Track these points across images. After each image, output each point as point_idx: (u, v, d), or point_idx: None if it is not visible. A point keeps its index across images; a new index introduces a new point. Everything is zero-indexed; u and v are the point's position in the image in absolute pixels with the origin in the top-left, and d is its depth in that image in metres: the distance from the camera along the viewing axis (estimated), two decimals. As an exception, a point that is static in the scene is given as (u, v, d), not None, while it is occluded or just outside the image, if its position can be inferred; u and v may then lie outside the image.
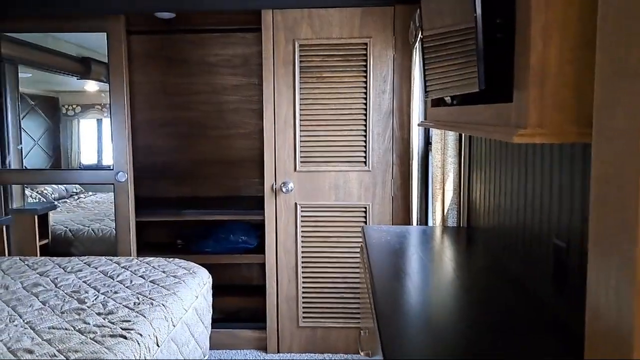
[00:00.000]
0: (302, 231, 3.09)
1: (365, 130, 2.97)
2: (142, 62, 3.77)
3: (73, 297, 2.24)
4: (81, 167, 4.70)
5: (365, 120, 2.97)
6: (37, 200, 4.35)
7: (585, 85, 0.83)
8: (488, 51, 1.11)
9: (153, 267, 2.67)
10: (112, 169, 3.16)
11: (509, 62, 1.01)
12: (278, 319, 3.17)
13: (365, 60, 2.93)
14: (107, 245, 3.60)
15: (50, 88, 4.68)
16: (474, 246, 1.90)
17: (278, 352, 3.16)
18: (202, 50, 3.73)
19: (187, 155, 3.87)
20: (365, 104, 2.96)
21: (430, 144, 2.72)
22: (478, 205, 1.87)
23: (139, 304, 2.16)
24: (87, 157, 4.81)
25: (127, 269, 2.63)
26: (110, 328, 1.91)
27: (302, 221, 3.08)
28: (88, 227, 3.79)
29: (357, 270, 3.01)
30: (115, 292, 2.29)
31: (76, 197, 4.79)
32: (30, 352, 1.73)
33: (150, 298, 2.22)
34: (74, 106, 4.73)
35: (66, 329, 1.91)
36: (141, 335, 1.88)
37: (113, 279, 2.48)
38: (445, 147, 2.00)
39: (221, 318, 3.23)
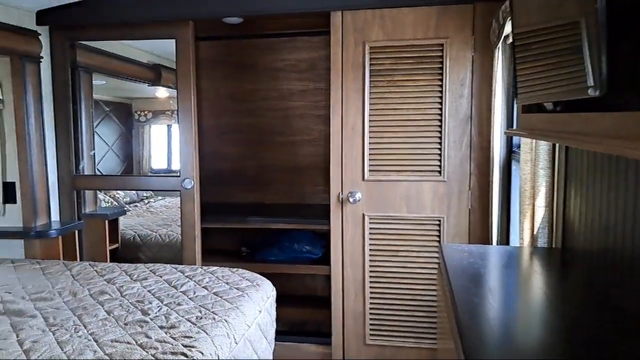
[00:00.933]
0: (370, 244, 2.92)
1: (441, 138, 2.77)
2: (209, 68, 3.76)
3: (137, 308, 2.20)
4: (151, 171, 4.78)
5: (441, 126, 2.76)
6: (110, 203, 4.46)
7: None
8: (612, 48, 0.91)
9: (217, 277, 2.60)
10: (179, 176, 3.14)
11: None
12: (344, 335, 3.02)
13: (441, 63, 2.73)
14: (173, 251, 3.61)
15: (123, 95, 4.80)
16: (572, 271, 1.66)
17: (343, 369, 3.02)
18: (268, 55, 3.67)
19: (253, 161, 3.82)
20: (441, 109, 2.76)
21: (513, 152, 2.49)
22: (576, 225, 1.63)
23: (201, 318, 2.08)
24: (157, 162, 4.90)
25: (191, 279, 2.57)
26: (172, 344, 1.84)
27: (370, 233, 2.92)
28: (156, 232, 3.81)
29: (430, 287, 2.81)
30: (179, 304, 2.23)
31: (146, 201, 4.88)
32: (92, 366, 1.68)
33: (212, 312, 2.14)
34: (146, 112, 4.83)
35: (128, 342, 1.86)
36: (202, 354, 1.79)
37: (177, 289, 2.43)
38: (536, 158, 1.77)
39: (284, 330, 3.12)
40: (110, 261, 3.27)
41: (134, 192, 4.77)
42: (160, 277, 2.62)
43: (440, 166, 2.79)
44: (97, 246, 3.32)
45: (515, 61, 1.54)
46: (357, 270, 2.96)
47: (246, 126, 3.80)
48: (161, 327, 1.99)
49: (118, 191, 4.61)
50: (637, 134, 0.79)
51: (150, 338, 1.89)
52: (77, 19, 3.04)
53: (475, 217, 2.80)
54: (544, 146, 1.77)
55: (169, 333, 1.94)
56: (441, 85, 2.74)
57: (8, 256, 3.01)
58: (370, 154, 2.87)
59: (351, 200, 2.90)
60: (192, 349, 1.80)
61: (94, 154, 3.46)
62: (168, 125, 4.94)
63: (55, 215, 3.19)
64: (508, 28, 2.03)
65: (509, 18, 1.82)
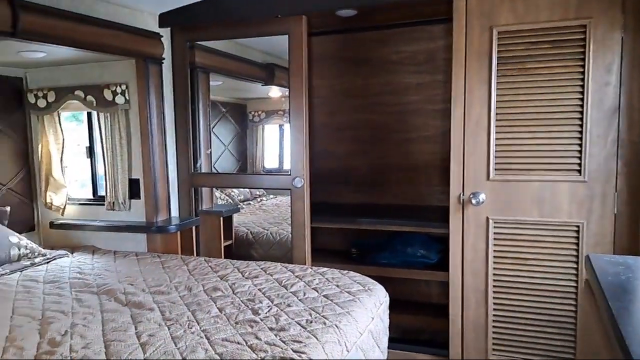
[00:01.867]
0: (494, 250, 2.65)
1: (581, 132, 2.42)
2: (321, 64, 3.68)
3: (248, 307, 2.15)
4: (264, 170, 4.84)
5: (582, 119, 2.41)
6: (225, 201, 4.58)
7: None
8: None
9: (327, 279, 2.49)
10: (290, 174, 3.09)
11: None
12: (463, 347, 2.77)
13: (583, 47, 2.38)
14: (283, 250, 3.58)
15: (239, 95, 4.91)
16: None
17: (461, 385, 2.77)
18: (383, 48, 3.50)
19: (365, 160, 3.67)
20: (582, 99, 2.41)
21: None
22: None
23: (311, 322, 1.97)
24: (270, 161, 4.95)
25: (301, 279, 2.49)
26: (282, 348, 1.75)
27: (494, 238, 2.64)
28: (267, 230, 3.82)
29: (565, 302, 2.48)
30: (288, 305, 2.15)
31: (259, 199, 4.95)
32: (202, 366, 1.63)
33: (323, 316, 2.02)
34: (259, 112, 4.90)
35: (239, 343, 1.80)
36: (312, 361, 1.68)
37: (287, 289, 2.35)
38: None
39: (396, 338, 2.93)
40: (225, 257, 3.32)
41: (247, 190, 4.87)
42: (271, 275, 2.57)
43: (580, 164, 2.44)
44: (212, 242, 3.38)
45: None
46: (479, 278, 2.69)
47: (359, 123, 3.66)
48: (271, 329, 1.91)
49: (233, 189, 4.73)
50: None
51: (260, 340, 1.82)
52: (195, 19, 3.11)
53: (622, 223, 2.41)
54: None
55: (279, 336, 1.85)
56: (582, 72, 2.39)
57: (133, 249, 3.16)
58: (496, 151, 2.60)
59: (473, 201, 2.64)
60: (302, 355, 1.69)
61: (211, 152, 3.54)
62: (280, 125, 4.97)
63: (174, 212, 3.31)
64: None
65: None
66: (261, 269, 2.69)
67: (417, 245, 3.30)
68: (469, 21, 2.57)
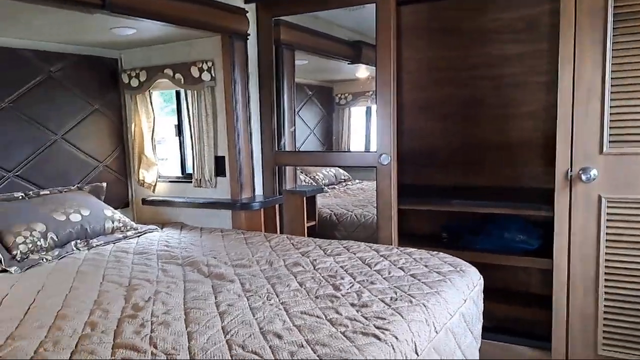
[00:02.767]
0: (607, 233, 2.34)
1: None
2: (410, 37, 3.48)
3: (329, 282, 2.04)
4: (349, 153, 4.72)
5: None
6: (309, 184, 4.53)
7: None
8: None
9: (414, 259, 2.32)
10: (376, 152, 2.94)
11: None
12: (567, 340, 2.49)
13: None
14: (368, 232, 3.45)
15: (325, 77, 4.83)
16: None
17: (566, 382, 2.48)
18: (477, 16, 3.23)
19: (457, 138, 3.42)
20: None
21: None
22: None
23: (396, 299, 1.82)
24: (356, 144, 4.82)
25: (386, 259, 2.34)
26: (363, 324, 1.62)
27: (607, 220, 2.33)
28: (351, 212, 3.71)
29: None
30: (372, 283, 2.01)
31: (344, 183, 4.85)
32: (280, 337, 1.55)
33: (409, 295, 1.87)
34: (346, 95, 4.78)
35: (318, 316, 1.70)
36: (397, 339, 1.53)
37: (370, 268, 2.22)
38: None
39: (491, 327, 2.69)
40: (308, 237, 3.25)
41: (332, 174, 4.77)
42: (354, 254, 2.45)
43: None
44: (296, 221, 3.33)
45: None
46: (588, 264, 2.39)
47: (450, 99, 3.42)
48: (352, 305, 1.79)
49: (317, 173, 4.66)
50: None
51: (341, 315, 1.71)
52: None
53: None
54: None
55: (360, 312, 1.72)
56: None
57: (218, 226, 3.18)
58: (611, 121, 2.29)
59: (583, 178, 2.34)
60: (386, 332, 1.55)
61: (295, 130, 3.48)
62: (367, 108, 4.83)
63: (258, 190, 3.28)
64: None
65: None
66: (344, 247, 2.58)
67: (516, 230, 3.03)
68: (580, -27, 2.27)
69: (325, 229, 3.69)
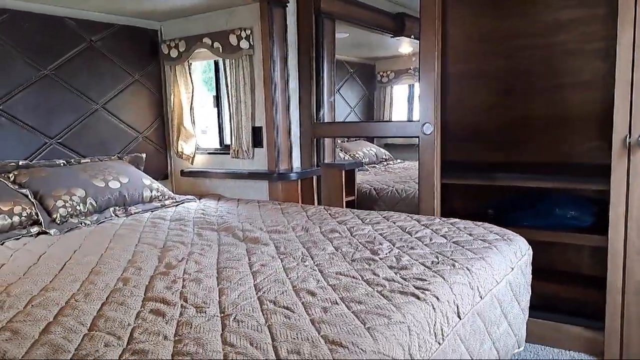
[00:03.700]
0: (671, 204, 2.14)
1: None
2: (455, 6, 3.31)
3: (366, 247, 1.96)
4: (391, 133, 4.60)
5: None
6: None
7: None
8: None
9: (457, 228, 2.20)
10: (419, 121, 2.82)
11: None
12: (622, 321, 2.30)
13: None
14: (409, 207, 3.32)
15: (367, 55, 4.71)
16: None
17: (620, 364, 2.31)
18: (529, -20, 3.04)
19: (504, 112, 3.24)
20: None
21: None
22: None
23: (437, 263, 1.72)
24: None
25: (428, 227, 2.23)
26: (402, 284, 1.52)
27: (672, 190, 2.13)
28: (392, 187, 3.59)
29: None
30: (412, 248, 1.91)
31: (385, 163, 4.73)
32: (313, 294, 1.47)
33: (452, 259, 1.76)
34: (388, 72, 4.65)
35: (353, 277, 1.62)
36: (438, 299, 1.43)
37: (411, 235, 2.12)
38: None
39: (539, 305, 2.53)
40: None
41: (373, 153, 4.66)
42: (394, 223, 2.35)
43: None
44: (334, 195, 3.24)
45: None
46: (649, 239, 2.20)
47: (496, 71, 3.23)
48: (390, 267, 1.70)
49: (358, 152, 4.56)
50: None
51: (378, 276, 1.62)
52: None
53: None
54: None
55: (399, 274, 1.63)
56: None
57: (255, 197, 3.14)
58: (677, 81, 2.08)
59: (645, 144, 2.16)
60: (426, 292, 1.45)
61: (334, 100, 3.39)
62: (410, 85, 4.68)
63: (296, 162, 3.22)
64: None
65: None
66: (383, 217, 2.48)
67: (567, 206, 2.84)
68: None
69: (365, 204, 3.59)
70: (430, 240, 2.02)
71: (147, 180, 2.99)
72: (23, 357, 1.16)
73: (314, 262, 1.79)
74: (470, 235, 2.08)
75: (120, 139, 3.24)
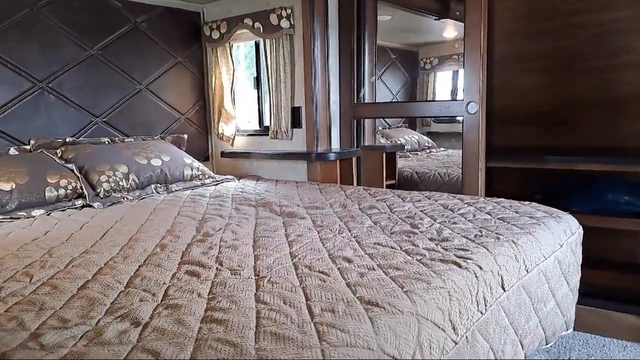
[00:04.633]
0: None
1: None
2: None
3: (406, 222, 1.90)
4: (433, 121, 4.50)
5: None
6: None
7: None
8: None
9: (503, 206, 2.11)
10: (463, 100, 2.73)
11: None
12: (681, 313, 2.16)
13: None
14: (452, 191, 3.20)
15: (410, 41, 4.61)
16: None
17: (679, 358, 2.16)
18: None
19: (551, 95, 3.08)
20: None
21: None
22: None
23: (481, 236, 1.64)
24: (441, 111, 4.58)
25: (471, 205, 2.15)
26: (442, 254, 1.46)
27: None
28: (434, 171, 3.50)
29: None
30: (454, 223, 1.84)
31: (427, 150, 4.63)
32: (349, 261, 1.43)
33: (496, 233, 1.68)
34: (432, 59, 4.54)
35: (392, 247, 1.56)
36: (481, 268, 1.36)
37: (453, 212, 2.04)
38: None
39: (589, 293, 2.40)
40: (386, 194, 3.11)
41: (415, 139, 4.57)
42: (436, 201, 2.28)
43: None
44: (374, 178, 3.19)
45: None
46: None
47: (545, 51, 3.08)
48: (431, 239, 1.64)
49: (399, 139, 4.48)
50: None
51: (417, 246, 1.56)
52: None
53: None
54: None
55: (440, 245, 1.57)
56: None
57: (294, 179, 3.12)
58: None
59: None
60: (468, 261, 1.38)
61: (375, 81, 3.33)
62: (454, 72, 4.56)
63: (335, 144, 3.18)
64: None
65: None
66: (425, 196, 2.41)
67: (620, 191, 2.69)
68: None
69: (406, 187, 3.50)
70: (474, 216, 1.94)
71: (188, 159, 3.02)
72: (60, 308, 1.17)
73: (352, 234, 1.75)
74: (517, 212, 1.99)
75: (163, 120, 3.28)
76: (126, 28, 3.03)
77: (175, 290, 1.26)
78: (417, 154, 4.54)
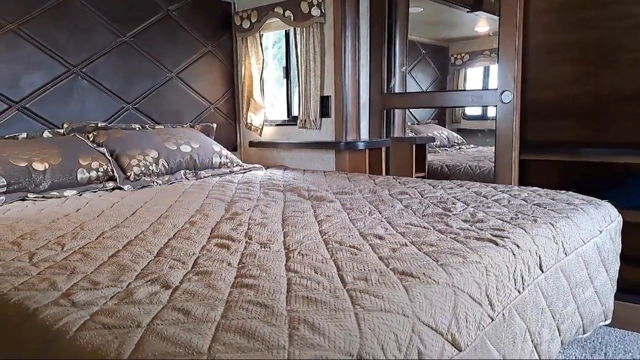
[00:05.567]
0: None
1: None
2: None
3: (438, 206, 1.85)
4: (464, 117, 4.42)
5: None
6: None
7: None
8: None
9: (538, 194, 2.05)
10: (497, 89, 2.66)
11: None
12: None
13: None
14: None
15: (441, 35, 4.55)
16: None
17: None
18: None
19: (586, 88, 2.98)
20: None
21: None
22: None
23: (517, 219, 1.59)
24: (471, 108, 4.50)
25: (505, 192, 2.09)
26: (477, 233, 1.42)
27: None
28: (465, 164, 3.44)
29: None
30: (488, 207, 1.79)
31: (457, 146, 4.55)
32: (381, 238, 1.40)
33: (533, 216, 1.62)
34: (463, 54, 4.46)
35: (424, 227, 1.52)
36: (518, 246, 1.31)
37: (487, 198, 1.99)
38: None
39: (627, 289, 2.31)
40: (415, 186, 3.06)
41: (444, 135, 4.49)
42: (468, 189, 2.22)
43: None
44: (403, 169, 3.14)
45: None
46: None
47: (580, 43, 2.98)
48: (465, 221, 1.59)
49: (428, 134, 4.41)
50: None
51: (451, 226, 1.52)
52: None
53: None
54: None
55: (475, 225, 1.52)
56: None
57: (321, 168, 3.10)
58: None
59: None
60: (505, 240, 1.34)
61: (406, 70, 3.28)
62: (485, 68, 4.47)
63: (364, 134, 3.15)
64: None
65: None
66: (457, 185, 2.36)
67: (662, 185, 2.59)
68: None
69: (436, 179, 3.46)
70: (509, 202, 1.89)
71: (217, 147, 3.02)
72: (91, 272, 1.17)
73: (382, 216, 1.71)
74: (553, 199, 1.92)
75: (192, 109, 3.30)
76: (158, 16, 3.06)
77: (205, 259, 1.25)
78: (447, 149, 4.47)
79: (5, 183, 2.16)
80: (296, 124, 3.23)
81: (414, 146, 3.16)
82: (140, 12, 2.98)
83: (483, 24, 4.09)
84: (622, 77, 2.85)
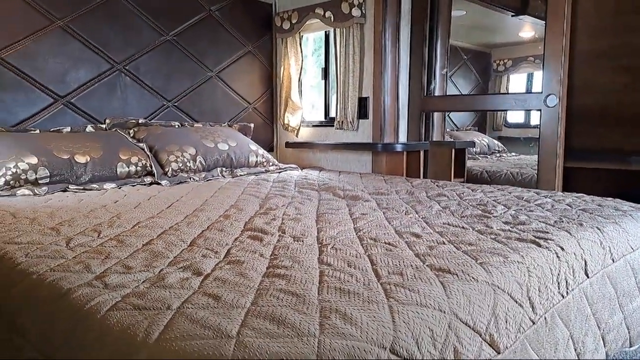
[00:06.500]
0: None
1: None
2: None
3: (477, 208, 1.79)
4: (505, 124, 4.31)
5: None
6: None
7: None
8: None
9: (584, 200, 1.95)
10: (542, 92, 2.58)
11: None
12: None
13: None
14: (525, 190, 3.07)
15: (483, 40, 4.46)
16: None
17: None
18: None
19: (637, 94, 2.87)
20: None
21: None
22: None
23: (562, 222, 1.52)
24: (514, 115, 4.39)
25: (549, 197, 2.01)
26: (519, 234, 1.36)
27: None
28: (506, 171, 3.34)
29: None
30: (530, 211, 1.72)
31: (497, 154, 4.43)
32: (417, 236, 1.36)
33: (578, 220, 1.54)
34: (505, 60, 4.36)
35: (463, 227, 1.47)
36: (562, 249, 1.25)
37: (529, 202, 1.91)
38: None
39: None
40: (453, 191, 2.98)
41: (485, 143, 4.38)
42: (509, 193, 2.15)
43: None
44: (441, 173, 3.08)
45: None
46: None
47: (630, 48, 2.87)
48: (506, 223, 1.53)
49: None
50: None
51: (491, 227, 1.46)
52: None
53: None
54: None
55: (516, 227, 1.46)
56: None
57: (357, 170, 3.07)
58: None
59: None
60: (549, 242, 1.27)
61: (447, 73, 3.22)
62: (529, 74, 4.35)
63: (402, 137, 3.10)
64: None
65: None
66: (497, 189, 2.28)
67: None
68: None
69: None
70: (552, 206, 1.81)
71: (254, 146, 3.04)
72: (125, 257, 1.17)
73: (419, 216, 1.67)
74: (600, 206, 1.83)
75: (231, 108, 3.33)
76: (201, 16, 3.10)
77: (238, 250, 1.24)
78: (487, 156, 4.36)
79: (49, 174, 2.22)
80: (333, 125, 3.22)
81: (453, 151, 3.09)
82: (183, 11, 3.03)
83: (527, 29, 3.98)
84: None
